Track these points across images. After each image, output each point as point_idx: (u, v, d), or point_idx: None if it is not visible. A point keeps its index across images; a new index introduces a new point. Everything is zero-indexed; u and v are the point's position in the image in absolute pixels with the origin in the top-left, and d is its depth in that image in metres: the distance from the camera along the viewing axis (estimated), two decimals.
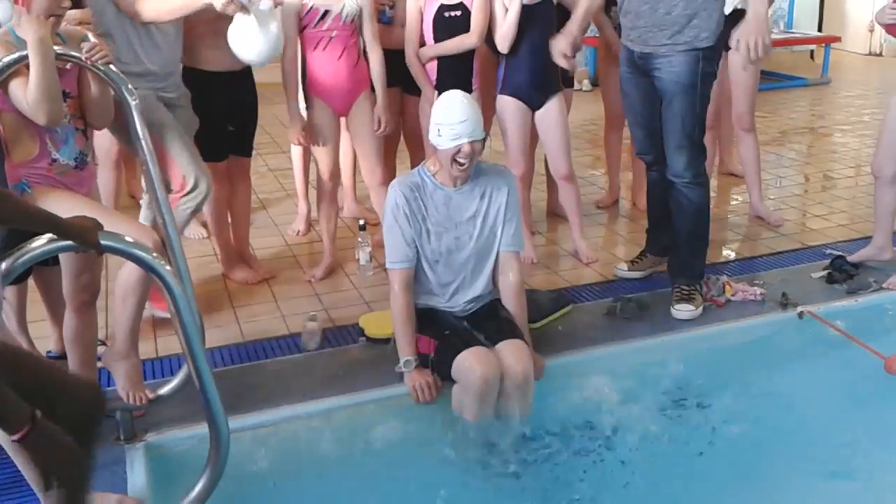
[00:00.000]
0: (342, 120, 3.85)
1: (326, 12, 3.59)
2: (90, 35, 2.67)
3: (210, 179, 3.15)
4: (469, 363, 2.68)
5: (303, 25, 3.63)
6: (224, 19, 3.16)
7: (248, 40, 3.16)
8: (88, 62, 2.52)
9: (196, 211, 3.20)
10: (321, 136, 3.76)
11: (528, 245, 4.10)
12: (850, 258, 3.90)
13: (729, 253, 4.21)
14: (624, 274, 3.89)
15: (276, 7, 3.20)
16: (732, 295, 3.61)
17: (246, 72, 3.63)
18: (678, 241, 3.59)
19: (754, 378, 3.17)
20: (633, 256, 3.98)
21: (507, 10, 3.78)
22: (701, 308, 3.50)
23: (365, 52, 3.76)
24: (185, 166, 3.07)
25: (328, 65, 3.66)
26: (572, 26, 3.57)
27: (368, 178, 3.91)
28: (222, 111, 3.57)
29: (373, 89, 3.79)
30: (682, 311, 3.48)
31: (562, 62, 3.62)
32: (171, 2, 3.07)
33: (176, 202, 3.05)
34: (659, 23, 3.29)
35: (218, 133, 3.62)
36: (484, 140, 2.84)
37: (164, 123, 3.06)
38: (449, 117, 2.75)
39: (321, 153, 3.82)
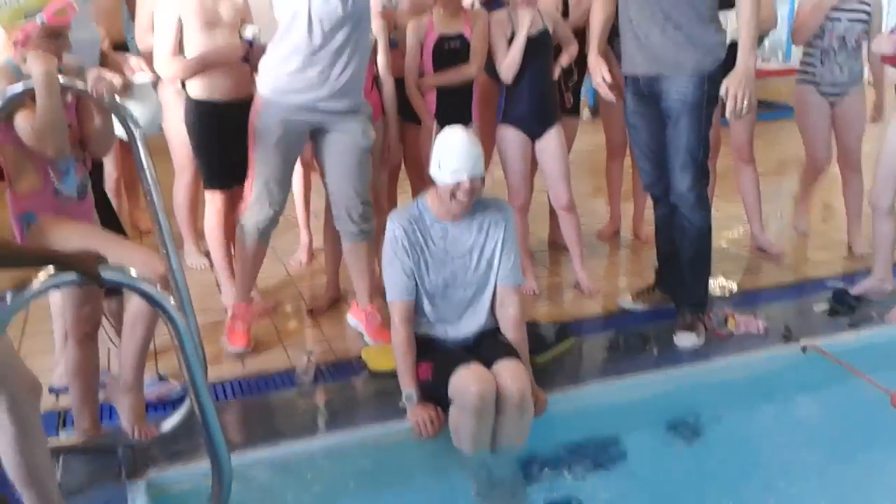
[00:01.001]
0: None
1: None
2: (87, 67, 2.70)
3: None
4: (465, 380, 2.66)
5: None
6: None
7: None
8: (94, 93, 2.53)
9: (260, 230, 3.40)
10: None
11: (530, 276, 4.10)
12: (852, 291, 3.90)
13: (730, 284, 4.20)
14: (628, 306, 3.88)
15: (153, 82, 3.23)
16: (735, 328, 3.60)
17: (245, 104, 3.65)
18: (681, 266, 3.60)
19: (758, 412, 3.15)
20: (639, 288, 3.97)
21: (507, 40, 3.81)
22: (703, 337, 3.50)
23: (376, 82, 3.79)
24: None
25: None
26: (594, 52, 3.62)
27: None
28: (229, 140, 3.58)
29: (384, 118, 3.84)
30: (683, 339, 3.49)
31: (605, 90, 3.62)
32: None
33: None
34: (665, 47, 3.32)
35: (223, 162, 3.63)
36: (483, 179, 2.84)
37: None
38: (450, 153, 2.76)
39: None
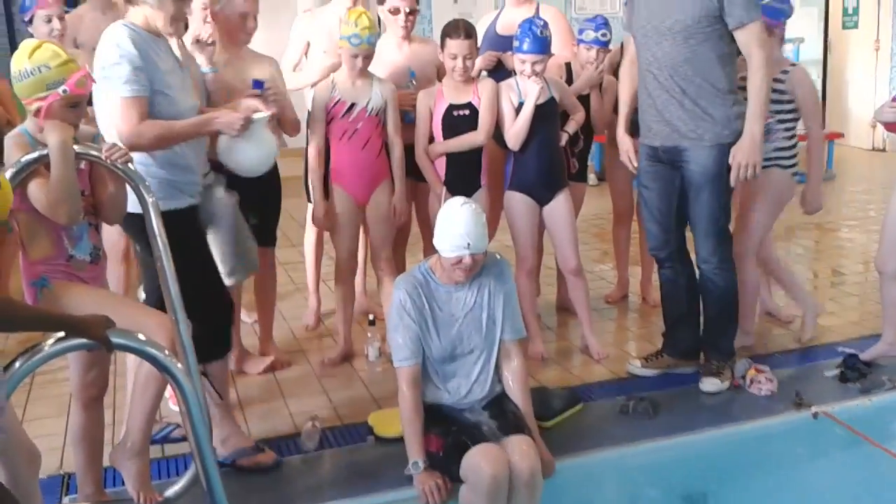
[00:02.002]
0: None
1: (353, 105, 3.76)
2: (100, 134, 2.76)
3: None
4: (478, 462, 2.64)
5: (330, 117, 3.77)
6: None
7: (250, 154, 3.10)
8: (108, 161, 2.57)
9: None
10: (342, 222, 3.86)
11: (538, 340, 4.10)
12: (862, 356, 3.87)
13: (740, 350, 4.17)
14: (637, 371, 3.85)
15: (271, 118, 3.23)
16: (751, 382, 3.62)
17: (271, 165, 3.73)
18: (707, 320, 3.72)
19: (770, 480, 3.11)
20: (647, 353, 3.95)
21: (514, 107, 3.87)
22: (728, 383, 3.60)
23: (386, 144, 3.88)
24: None
25: (352, 154, 3.81)
26: (622, 128, 3.76)
27: (375, 264, 4.00)
28: (247, 204, 3.61)
29: (392, 180, 3.92)
30: (708, 384, 3.59)
31: (627, 160, 3.76)
32: (174, 131, 2.91)
33: None
34: (683, 120, 3.42)
35: None
36: (486, 251, 2.86)
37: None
38: (453, 228, 2.78)
39: (341, 239, 3.91)
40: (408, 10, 4.07)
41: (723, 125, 3.40)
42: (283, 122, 3.75)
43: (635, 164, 3.73)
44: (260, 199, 3.66)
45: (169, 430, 3.28)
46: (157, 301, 2.78)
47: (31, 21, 4.13)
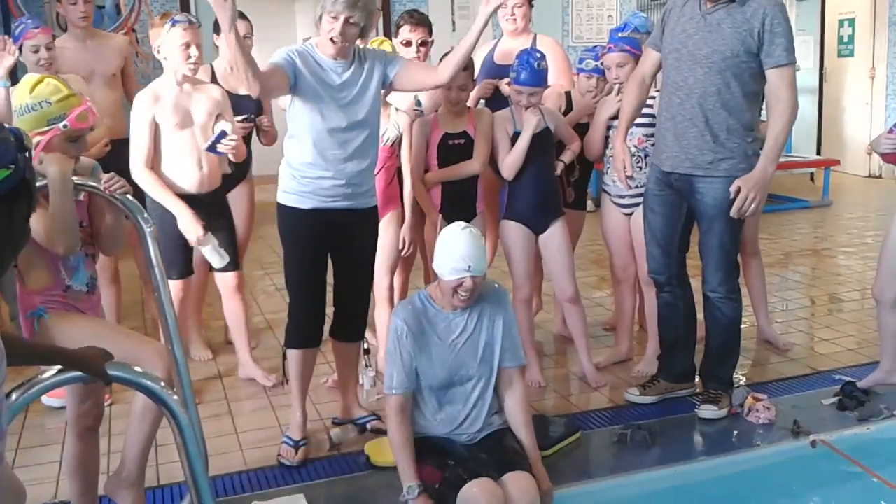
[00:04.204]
0: None
1: None
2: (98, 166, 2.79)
3: None
4: (474, 497, 2.63)
5: None
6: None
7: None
8: (107, 192, 2.59)
9: None
10: None
11: (536, 369, 4.09)
12: (859, 384, 3.87)
13: (738, 378, 4.17)
14: (635, 399, 3.84)
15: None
16: (749, 409, 3.62)
17: (216, 193, 3.90)
18: (709, 349, 3.73)
19: None
20: (644, 380, 3.95)
21: (508, 136, 3.90)
22: (725, 411, 3.61)
23: (399, 174, 3.93)
24: None
25: None
26: (620, 139, 3.74)
27: (376, 290, 4.00)
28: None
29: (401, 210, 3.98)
30: (706, 410, 3.60)
31: (622, 176, 3.77)
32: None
33: None
34: (701, 149, 3.42)
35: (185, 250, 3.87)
36: (485, 274, 2.87)
37: None
38: (452, 251, 2.80)
39: None
40: (419, 42, 4.17)
41: (739, 159, 3.41)
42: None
43: (629, 174, 3.73)
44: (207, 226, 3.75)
45: None
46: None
47: (20, 50, 4.17)
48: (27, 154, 1.57)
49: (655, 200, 3.65)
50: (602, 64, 4.19)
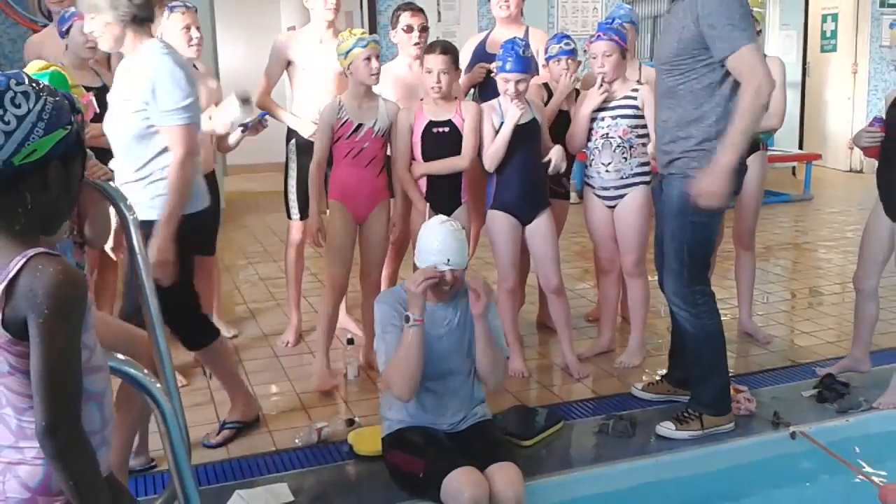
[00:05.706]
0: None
1: (360, 125, 3.82)
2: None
3: None
4: (458, 484, 2.63)
5: (336, 136, 3.82)
6: None
7: None
8: (91, 178, 2.56)
9: None
10: (339, 240, 3.88)
11: (519, 359, 4.10)
12: (829, 369, 3.91)
13: None
14: (637, 394, 3.81)
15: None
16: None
17: (209, 176, 3.84)
18: (687, 361, 3.54)
19: (748, 500, 3.13)
20: (651, 379, 3.91)
21: (494, 129, 3.89)
22: (686, 434, 3.37)
23: (388, 166, 3.95)
24: None
25: (355, 172, 3.86)
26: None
27: (364, 281, 4.03)
28: None
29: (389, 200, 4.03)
30: (663, 427, 3.41)
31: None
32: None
33: None
34: (673, 154, 3.29)
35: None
36: (466, 267, 2.88)
37: None
38: (432, 244, 2.82)
39: (334, 255, 3.91)
40: (420, 27, 4.25)
41: (693, 156, 3.20)
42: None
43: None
44: None
45: None
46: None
47: (67, 32, 4.17)
48: (80, 116, 1.68)
49: (659, 203, 3.51)
50: (587, 52, 4.18)
